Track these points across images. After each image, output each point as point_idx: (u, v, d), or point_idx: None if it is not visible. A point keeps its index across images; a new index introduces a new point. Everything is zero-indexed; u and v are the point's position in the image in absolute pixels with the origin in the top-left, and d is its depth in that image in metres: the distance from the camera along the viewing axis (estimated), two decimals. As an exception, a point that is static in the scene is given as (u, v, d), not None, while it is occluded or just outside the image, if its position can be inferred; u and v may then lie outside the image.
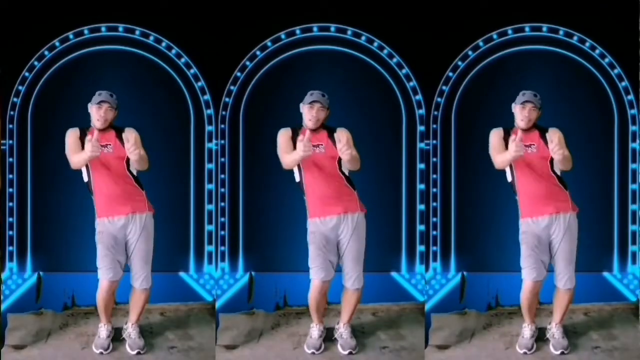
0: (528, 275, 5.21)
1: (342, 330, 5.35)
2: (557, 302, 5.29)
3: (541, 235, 5.18)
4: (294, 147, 5.13)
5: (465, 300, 5.77)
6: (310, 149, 5.07)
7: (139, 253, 5.23)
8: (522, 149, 5.06)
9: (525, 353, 5.26)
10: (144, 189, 5.23)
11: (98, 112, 5.16)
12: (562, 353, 5.25)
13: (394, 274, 5.90)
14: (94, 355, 5.31)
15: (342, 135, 5.15)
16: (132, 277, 5.27)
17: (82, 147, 5.14)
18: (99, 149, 5.07)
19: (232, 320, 5.65)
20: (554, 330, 5.31)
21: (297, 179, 5.22)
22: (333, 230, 5.21)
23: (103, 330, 5.36)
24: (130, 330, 5.34)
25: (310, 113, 5.17)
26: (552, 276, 5.24)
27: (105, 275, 5.22)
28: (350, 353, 5.29)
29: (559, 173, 5.15)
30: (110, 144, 5.17)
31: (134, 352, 5.30)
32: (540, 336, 5.34)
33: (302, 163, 5.17)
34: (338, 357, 5.28)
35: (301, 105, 5.16)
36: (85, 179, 5.20)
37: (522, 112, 5.14)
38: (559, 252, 5.19)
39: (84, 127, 5.16)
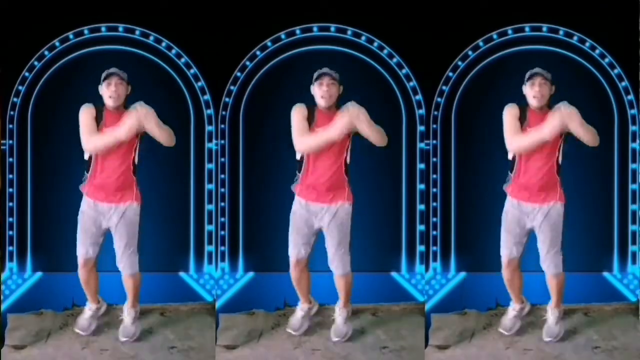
0: (504, 253, 5.31)
1: (337, 315, 5.36)
2: (549, 286, 5.35)
3: (522, 217, 5.24)
4: (309, 127, 5.14)
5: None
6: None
7: (121, 240, 5.27)
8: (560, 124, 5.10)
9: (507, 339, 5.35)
10: (136, 176, 5.27)
11: (109, 89, 5.17)
12: (550, 341, 5.31)
13: (394, 274, 5.90)
14: (94, 355, 5.31)
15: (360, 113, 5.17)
16: (117, 261, 5.31)
17: (98, 127, 5.14)
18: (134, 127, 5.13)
19: (232, 320, 5.64)
20: (549, 314, 5.36)
21: (298, 157, 5.23)
22: (315, 217, 5.23)
23: (87, 311, 5.45)
24: (125, 315, 5.37)
25: (320, 89, 5.18)
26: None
27: (81, 251, 5.28)
28: (340, 340, 5.32)
29: (560, 162, 5.20)
30: None
31: (123, 339, 5.31)
32: (541, 336, 5.36)
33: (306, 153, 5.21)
34: (337, 356, 5.29)
35: (312, 87, 5.19)
36: (87, 156, 5.21)
37: (532, 89, 5.15)
38: (540, 239, 5.27)
39: (99, 106, 5.20)
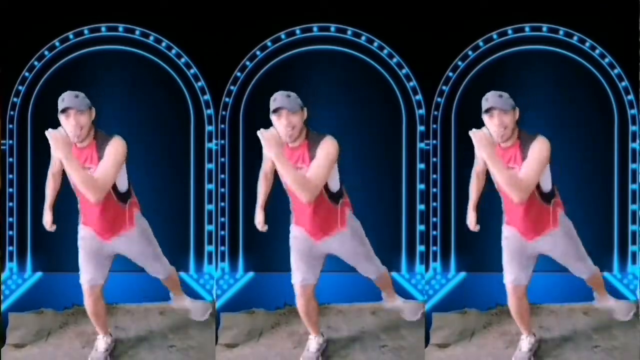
0: (509, 279, 5.07)
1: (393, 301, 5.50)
2: (594, 284, 5.36)
3: (525, 245, 5.03)
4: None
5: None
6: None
7: (141, 259, 5.21)
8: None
9: None
10: (131, 197, 5.10)
11: (68, 123, 4.74)
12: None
13: (394, 274, 5.89)
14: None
15: (322, 150, 4.81)
16: (149, 272, 5.30)
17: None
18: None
19: (232, 320, 5.64)
20: (611, 304, 5.47)
21: None
22: (322, 245, 5.11)
23: (101, 343, 5.27)
24: (187, 302, 5.55)
25: (279, 123, 4.75)
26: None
27: (85, 277, 5.06)
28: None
29: (545, 190, 4.95)
30: (91, 167, 4.87)
31: (202, 318, 5.51)
32: (540, 336, 5.36)
33: (286, 185, 4.98)
34: (337, 355, 5.29)
35: (270, 115, 4.88)
36: None
37: (491, 122, 4.72)
38: (563, 261, 5.15)
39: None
